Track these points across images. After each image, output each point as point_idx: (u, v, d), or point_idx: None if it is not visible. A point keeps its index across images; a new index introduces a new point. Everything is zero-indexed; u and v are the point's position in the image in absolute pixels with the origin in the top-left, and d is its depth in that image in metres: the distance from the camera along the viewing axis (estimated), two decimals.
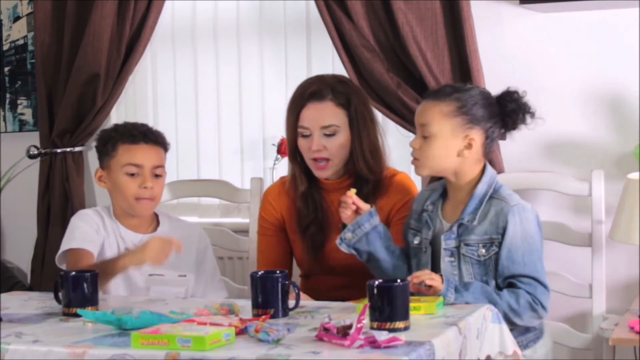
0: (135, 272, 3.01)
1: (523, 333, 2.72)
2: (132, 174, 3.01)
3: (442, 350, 2.14)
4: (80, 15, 3.83)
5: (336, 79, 3.00)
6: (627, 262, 3.32)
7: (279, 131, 3.89)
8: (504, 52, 3.45)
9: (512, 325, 2.64)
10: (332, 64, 3.80)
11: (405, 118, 3.46)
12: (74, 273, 2.56)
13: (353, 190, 2.76)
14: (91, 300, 2.53)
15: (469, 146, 2.73)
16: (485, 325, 2.44)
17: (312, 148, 2.92)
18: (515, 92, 2.80)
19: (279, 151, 3.84)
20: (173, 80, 4.12)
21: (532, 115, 2.79)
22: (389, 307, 2.21)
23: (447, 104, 2.73)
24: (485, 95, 2.79)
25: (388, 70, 3.45)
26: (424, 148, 2.74)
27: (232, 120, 4.06)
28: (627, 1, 3.25)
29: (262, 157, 4.02)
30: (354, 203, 2.77)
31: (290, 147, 3.01)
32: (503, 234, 2.67)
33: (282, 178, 3.13)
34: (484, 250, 2.69)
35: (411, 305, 2.29)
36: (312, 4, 3.64)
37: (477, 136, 2.73)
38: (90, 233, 2.98)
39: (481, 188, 2.74)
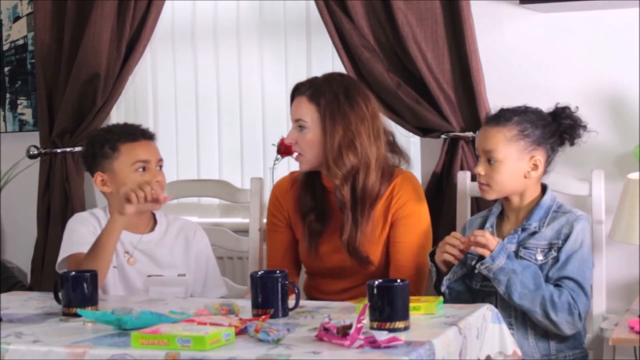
0: (134, 273, 3.01)
1: (571, 348, 2.80)
2: (143, 169, 3.01)
3: (442, 350, 2.14)
4: (80, 15, 3.83)
5: (325, 76, 3.00)
6: (627, 262, 3.32)
7: (279, 131, 3.89)
8: (504, 52, 3.45)
9: (549, 322, 2.70)
10: (332, 64, 3.80)
11: (405, 118, 3.46)
12: (74, 273, 2.56)
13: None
14: (91, 300, 2.53)
15: (534, 167, 2.82)
16: (485, 325, 2.44)
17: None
18: (567, 108, 2.88)
19: (279, 151, 3.83)
20: (173, 80, 4.13)
21: (585, 128, 2.90)
22: (389, 307, 2.21)
23: (509, 129, 2.80)
24: (542, 115, 2.87)
25: (388, 70, 3.45)
26: (491, 174, 2.81)
27: (232, 120, 4.06)
28: (627, 1, 3.25)
29: (262, 157, 4.02)
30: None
31: None
32: (565, 240, 2.77)
33: (292, 173, 3.14)
34: (541, 256, 2.77)
35: (411, 305, 2.29)
36: (312, 4, 3.64)
37: (541, 156, 2.83)
38: (87, 236, 2.97)
39: (546, 201, 2.84)
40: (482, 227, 2.91)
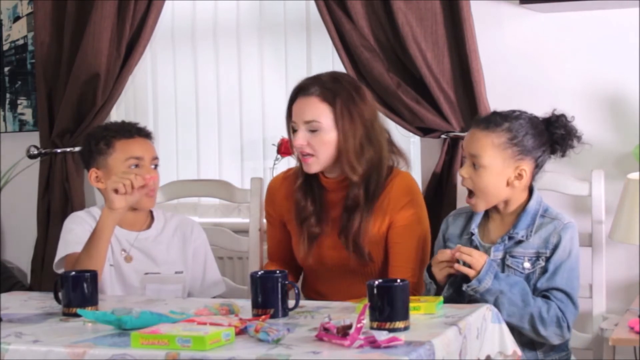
0: (131, 271, 3.01)
1: (558, 351, 2.77)
2: (136, 166, 3.01)
3: (442, 350, 2.14)
4: (80, 15, 3.83)
5: (330, 76, 2.96)
6: (627, 262, 3.32)
7: (279, 131, 3.89)
8: (504, 52, 3.46)
9: (537, 337, 2.67)
10: (332, 64, 3.80)
11: (405, 118, 3.46)
12: (74, 273, 2.56)
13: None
14: (91, 300, 2.53)
15: (519, 177, 2.73)
16: (485, 325, 2.44)
17: (294, 143, 2.91)
18: (563, 116, 2.78)
19: (279, 151, 3.84)
20: (173, 80, 4.13)
21: (579, 139, 2.79)
22: (389, 307, 2.21)
23: (498, 135, 2.71)
24: (535, 123, 2.76)
25: (388, 70, 3.45)
26: (475, 179, 2.73)
27: (232, 120, 4.06)
28: (627, 1, 3.26)
29: (262, 157, 4.02)
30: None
31: (290, 142, 3.00)
32: (553, 250, 2.70)
33: (288, 170, 3.13)
34: (529, 264, 2.71)
35: (411, 305, 2.29)
36: (312, 4, 3.64)
37: (527, 166, 2.74)
38: (83, 235, 2.96)
39: (532, 206, 2.76)
40: (465, 226, 2.83)
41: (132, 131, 3.06)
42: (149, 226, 3.10)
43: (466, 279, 2.63)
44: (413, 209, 2.95)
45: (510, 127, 2.72)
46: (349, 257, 2.95)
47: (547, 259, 2.70)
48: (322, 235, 2.98)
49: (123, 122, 3.13)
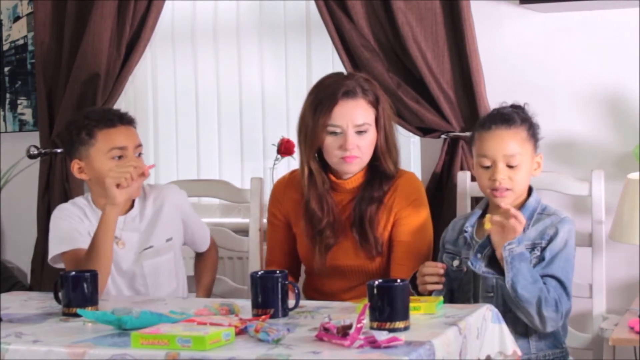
0: (125, 254, 3.00)
1: (551, 347, 2.77)
2: (119, 157, 2.99)
3: (442, 350, 2.14)
4: (80, 15, 3.83)
5: (362, 77, 3.01)
6: (627, 262, 3.32)
7: (279, 131, 3.89)
8: (504, 52, 3.45)
9: (539, 318, 2.66)
10: (332, 64, 3.80)
11: (405, 118, 3.46)
12: (74, 273, 2.56)
13: (488, 217, 2.66)
14: (91, 300, 2.54)
15: (538, 166, 2.84)
16: (485, 325, 2.44)
17: (347, 147, 2.90)
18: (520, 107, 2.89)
19: (279, 151, 3.84)
20: (173, 80, 4.13)
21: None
22: (389, 307, 2.21)
23: (521, 129, 2.80)
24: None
25: (388, 70, 3.45)
26: (515, 178, 2.77)
27: (232, 120, 4.06)
28: (627, 1, 3.25)
29: (262, 157, 4.02)
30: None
31: (314, 146, 2.96)
32: (550, 240, 2.73)
33: (292, 172, 3.13)
34: None
35: (411, 305, 2.29)
36: (312, 4, 3.64)
37: (539, 156, 2.84)
38: (75, 228, 2.97)
39: (531, 203, 2.81)
40: (462, 227, 2.86)
41: (114, 119, 3.01)
42: (132, 205, 3.08)
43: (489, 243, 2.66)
44: (418, 208, 2.98)
45: (524, 119, 2.81)
46: (359, 256, 2.97)
47: (543, 249, 2.73)
48: (335, 244, 2.99)
49: (104, 110, 3.10)
